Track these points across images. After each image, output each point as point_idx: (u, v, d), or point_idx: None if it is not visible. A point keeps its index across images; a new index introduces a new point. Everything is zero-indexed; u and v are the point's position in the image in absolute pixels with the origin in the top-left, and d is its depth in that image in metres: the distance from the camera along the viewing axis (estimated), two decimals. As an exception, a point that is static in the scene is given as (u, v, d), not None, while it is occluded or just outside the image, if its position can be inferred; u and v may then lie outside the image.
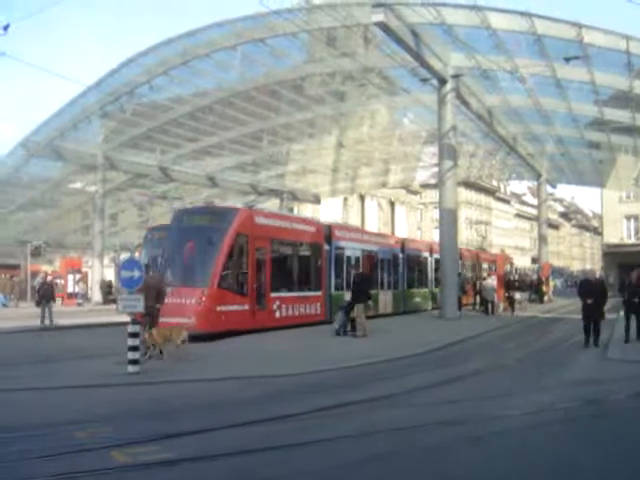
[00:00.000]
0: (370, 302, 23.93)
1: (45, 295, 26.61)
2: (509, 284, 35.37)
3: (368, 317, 23.46)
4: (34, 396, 11.85)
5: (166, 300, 18.63)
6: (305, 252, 27.38)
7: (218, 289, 21.70)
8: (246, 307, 22.79)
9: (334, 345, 19.96)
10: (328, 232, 28.81)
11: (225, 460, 7.71)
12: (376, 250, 33.09)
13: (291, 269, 26.43)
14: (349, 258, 29.92)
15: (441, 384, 13.05)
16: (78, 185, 48.85)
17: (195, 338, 19.69)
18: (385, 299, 33.26)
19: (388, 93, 38.18)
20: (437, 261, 35.43)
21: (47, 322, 26.06)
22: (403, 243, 37.31)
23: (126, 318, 14.61)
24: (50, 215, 57.92)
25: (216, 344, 20.14)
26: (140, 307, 13.97)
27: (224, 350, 18.95)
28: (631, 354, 17.22)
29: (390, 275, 34.43)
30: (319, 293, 27.50)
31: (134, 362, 13.66)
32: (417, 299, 37.40)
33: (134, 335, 13.78)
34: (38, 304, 27.00)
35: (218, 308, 21.57)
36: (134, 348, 13.72)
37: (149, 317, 16.40)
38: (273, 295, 24.29)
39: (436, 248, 35.33)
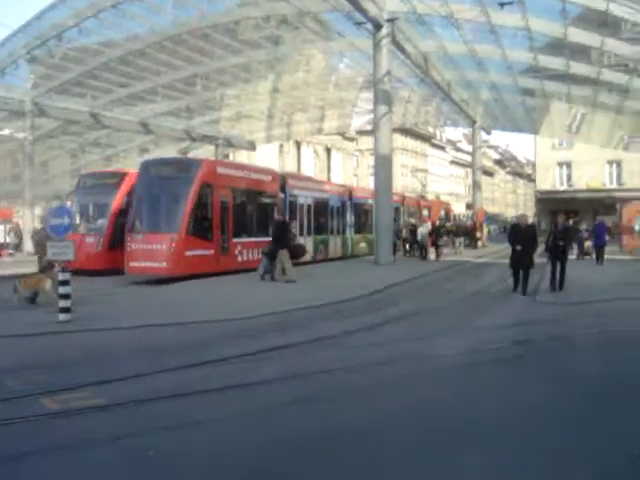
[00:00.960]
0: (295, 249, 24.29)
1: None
2: (435, 231, 35.52)
3: (318, 261, 25.74)
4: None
5: (136, 246, 22.00)
6: (263, 200, 28.52)
7: (186, 235, 23.08)
8: (211, 252, 24.23)
9: (268, 291, 19.97)
10: (283, 181, 30.36)
11: (156, 404, 7.74)
12: (326, 197, 35.12)
13: (251, 216, 27.51)
14: (302, 205, 31.88)
15: (372, 327, 13.20)
16: (6, 132, 47.48)
17: (160, 281, 21.72)
18: (335, 244, 35.61)
19: (323, 38, 37.79)
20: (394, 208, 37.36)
21: None
22: (351, 191, 39.00)
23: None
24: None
25: (160, 289, 20.56)
26: (71, 255, 13.72)
27: (165, 296, 19.05)
28: (559, 297, 17.69)
29: (339, 221, 36.45)
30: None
31: (65, 310, 13.48)
32: (363, 244, 38.74)
33: (65, 283, 13.57)
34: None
35: (186, 253, 23.02)
36: (65, 296, 13.52)
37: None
38: (235, 240, 25.68)
39: None
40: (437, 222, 39.87)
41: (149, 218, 24.25)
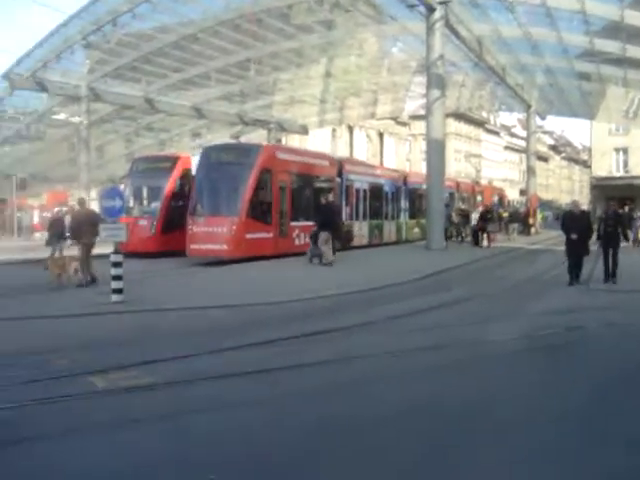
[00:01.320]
0: (339, 232, 24.22)
1: (56, 233, 24.05)
2: (483, 216, 35.03)
3: (373, 245, 27.01)
4: (18, 325, 11.91)
5: (197, 229, 23.11)
6: (320, 184, 28.78)
7: (247, 218, 23.67)
8: (270, 235, 24.88)
9: (318, 274, 20.01)
10: (340, 166, 30.71)
11: (204, 384, 7.82)
12: (382, 183, 35.27)
13: (308, 200, 27.68)
14: (358, 190, 32.18)
15: (422, 312, 13.12)
16: (62, 116, 48.14)
17: (218, 263, 22.29)
18: (389, 229, 35.90)
19: (376, 21, 37.48)
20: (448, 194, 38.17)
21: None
22: (405, 176, 39.06)
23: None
24: (35, 148, 57.33)
25: (216, 271, 21.00)
26: (123, 237, 13.91)
27: (219, 278, 19.40)
28: (612, 284, 17.39)
29: (393, 206, 36.62)
30: None
31: (118, 291, 13.67)
32: (417, 230, 38.55)
33: (117, 264, 13.76)
34: (48, 243, 24.35)
35: (247, 236, 23.63)
36: (117, 277, 13.71)
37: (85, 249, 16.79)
38: (293, 224, 26.23)
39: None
40: (485, 208, 39.28)
41: (210, 202, 24.85)
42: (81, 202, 19.29)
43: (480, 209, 36.92)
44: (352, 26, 38.73)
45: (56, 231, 24.32)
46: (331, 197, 24.46)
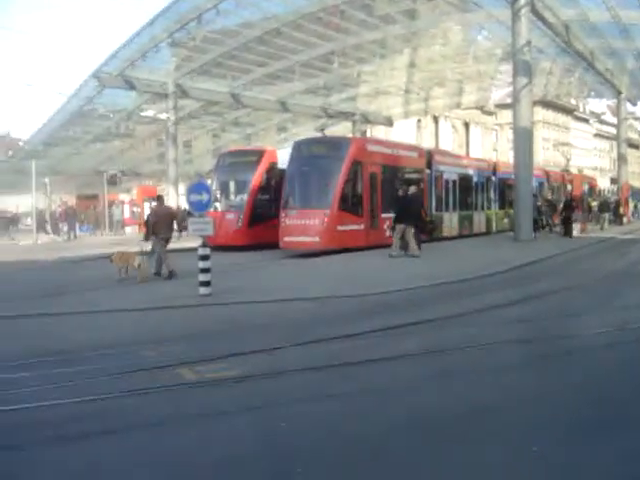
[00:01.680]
0: (421, 224, 23.63)
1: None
2: (566, 206, 33.72)
3: (463, 236, 27.75)
4: (107, 317, 12.19)
5: (290, 222, 23.68)
6: (409, 176, 28.66)
7: (338, 210, 23.97)
8: (361, 227, 25.02)
9: (404, 266, 19.87)
10: (429, 157, 30.65)
11: (290, 377, 7.82)
12: (471, 173, 35.02)
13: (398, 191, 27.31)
14: (447, 181, 32.09)
15: (511, 304, 12.81)
16: (150, 113, 49.10)
17: (310, 255, 22.67)
18: (479, 220, 35.61)
19: (460, 9, 37.02)
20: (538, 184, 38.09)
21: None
22: (495, 166, 38.57)
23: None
24: (125, 144, 58.64)
25: (304, 263, 21.28)
26: (210, 230, 14.09)
27: (308, 270, 19.67)
28: None
29: (483, 197, 36.32)
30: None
31: (205, 284, 13.83)
32: (507, 220, 37.94)
33: (205, 257, 13.92)
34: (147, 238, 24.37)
35: (338, 228, 23.94)
36: (205, 270, 13.87)
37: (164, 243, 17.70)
38: (384, 216, 25.83)
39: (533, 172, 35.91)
40: (568, 197, 38.31)
41: (302, 195, 25.17)
42: (159, 198, 20.03)
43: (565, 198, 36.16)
44: (436, 15, 38.31)
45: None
46: (413, 189, 24.13)
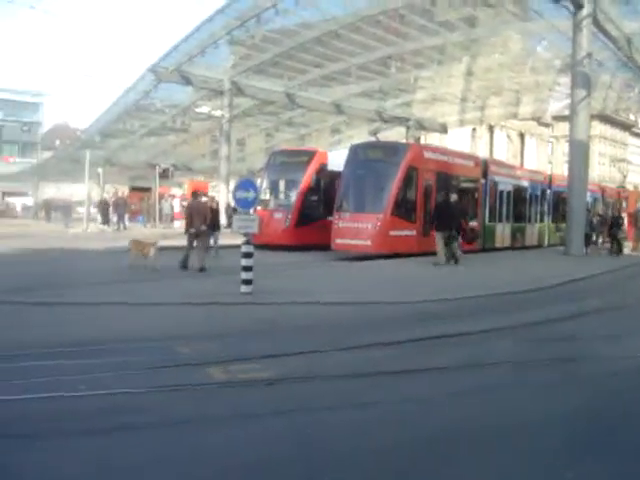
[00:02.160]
0: (456, 233, 22.80)
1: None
2: (612, 223, 32.41)
3: (515, 248, 27.86)
4: (147, 310, 12.19)
5: (343, 224, 23.95)
6: (464, 184, 28.87)
7: (392, 216, 24.02)
8: (414, 233, 24.98)
9: (449, 275, 19.65)
10: (484, 166, 30.46)
11: (323, 382, 7.61)
12: (526, 185, 34.56)
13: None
14: (502, 192, 31.68)
15: (558, 320, 12.46)
16: (204, 110, 49.44)
17: (358, 258, 22.74)
18: (531, 232, 35.19)
19: (521, 18, 36.56)
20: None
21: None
22: (550, 179, 38.08)
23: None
24: (179, 139, 59.14)
25: (353, 266, 21.28)
26: (255, 228, 14.02)
27: (355, 274, 19.56)
28: None
29: (536, 209, 35.80)
30: (475, 223, 29.02)
31: (247, 282, 13.75)
32: (561, 233, 36.95)
33: (248, 255, 13.85)
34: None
35: (391, 233, 23.94)
36: (248, 268, 13.79)
37: (197, 236, 18.68)
38: None
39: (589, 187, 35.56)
40: (614, 213, 37.44)
41: (357, 198, 25.25)
42: (195, 194, 21.15)
43: (623, 215, 35.40)
44: (496, 23, 37.88)
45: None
46: (454, 196, 23.91)
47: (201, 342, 9.45)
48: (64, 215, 46.99)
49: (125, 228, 40.57)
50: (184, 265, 18.41)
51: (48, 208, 57.00)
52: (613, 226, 31.91)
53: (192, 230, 18.62)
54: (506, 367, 8.67)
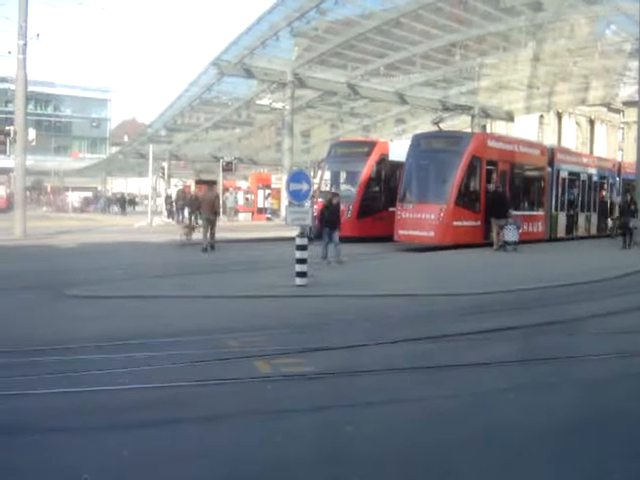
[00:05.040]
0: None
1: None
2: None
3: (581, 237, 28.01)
4: (201, 303, 12.24)
5: (406, 215, 23.91)
6: (530, 173, 28.75)
7: (455, 206, 23.85)
8: (478, 223, 24.69)
9: (507, 264, 19.37)
10: (551, 155, 29.80)
11: (369, 377, 7.48)
12: (593, 173, 33.63)
13: (518, 189, 27.51)
14: (569, 180, 31.00)
15: (608, 314, 11.87)
16: (265, 102, 49.48)
17: (421, 249, 22.71)
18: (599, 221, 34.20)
19: (587, 2, 35.66)
20: None
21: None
22: (620, 166, 37.29)
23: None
24: (243, 132, 59.44)
25: (413, 258, 21.22)
26: (309, 220, 13.93)
27: (410, 265, 19.37)
28: None
29: (605, 197, 34.71)
30: (542, 213, 28.91)
31: (302, 275, 13.67)
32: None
33: (302, 248, 13.76)
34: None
35: (454, 223, 23.83)
36: (302, 261, 13.71)
37: (208, 223, 22.40)
38: None
39: None
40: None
41: (419, 189, 25.09)
42: (209, 185, 26.69)
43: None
44: (561, 7, 37.03)
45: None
46: (493, 186, 24.68)
47: (252, 335, 9.35)
48: (122, 209, 47.79)
49: (181, 222, 40.70)
50: (204, 248, 21.98)
51: (110, 202, 58.15)
52: (626, 213, 27.51)
53: (205, 216, 22.79)
54: (555, 363, 8.31)
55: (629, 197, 28.49)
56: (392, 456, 5.28)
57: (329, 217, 18.98)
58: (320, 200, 26.04)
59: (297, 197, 14.09)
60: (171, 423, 5.93)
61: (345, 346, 8.68)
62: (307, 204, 14.58)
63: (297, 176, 14.42)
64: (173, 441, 5.53)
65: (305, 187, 13.98)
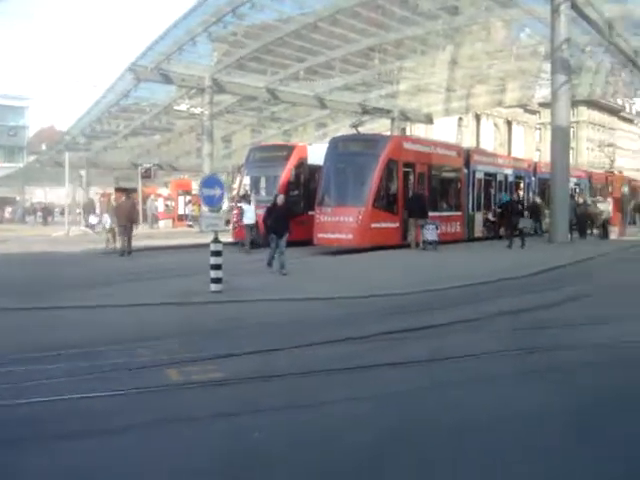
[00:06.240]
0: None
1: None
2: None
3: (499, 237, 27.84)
4: (116, 312, 12.00)
5: (325, 219, 23.98)
6: (447, 175, 29.29)
7: (373, 208, 23.91)
8: (396, 224, 24.85)
9: (427, 263, 19.50)
10: (467, 156, 30.34)
11: (280, 381, 7.41)
12: (509, 173, 34.23)
13: (435, 191, 27.79)
14: (485, 181, 31.59)
15: (522, 311, 12.09)
16: (183, 107, 49.02)
17: (339, 252, 22.63)
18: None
19: (501, 5, 36.24)
20: (575, 184, 38.18)
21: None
22: (535, 166, 37.86)
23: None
24: (163, 138, 58.81)
25: (329, 261, 21.11)
26: (222, 225, 13.76)
27: (330, 268, 19.41)
28: None
29: (523, 197, 35.24)
30: (459, 213, 29.23)
31: (217, 281, 13.51)
32: (547, 220, 36.73)
33: (217, 254, 13.60)
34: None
35: (372, 225, 23.80)
36: (217, 267, 13.56)
37: (124, 230, 23.46)
38: None
39: (573, 172, 35.62)
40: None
41: (337, 192, 25.09)
42: (127, 194, 27.68)
43: (609, 200, 35.17)
44: (477, 11, 37.62)
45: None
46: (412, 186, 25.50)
47: (165, 343, 9.22)
48: (43, 219, 46.68)
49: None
50: (121, 254, 23.06)
51: (28, 212, 56.80)
52: (513, 214, 27.59)
53: (121, 223, 23.52)
54: (462, 362, 8.36)
55: (516, 196, 29.76)
56: (298, 461, 5.24)
57: (274, 222, 17.58)
58: (239, 205, 25.94)
59: (211, 202, 13.92)
60: (77, 436, 5.78)
61: (258, 351, 8.58)
62: (223, 209, 14.42)
63: (210, 181, 14.23)
64: (75, 454, 5.37)
65: (218, 192, 13.83)
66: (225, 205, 22.56)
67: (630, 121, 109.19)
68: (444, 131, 61.75)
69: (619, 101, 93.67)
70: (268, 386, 7.27)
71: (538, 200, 32.86)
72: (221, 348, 8.72)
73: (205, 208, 14.46)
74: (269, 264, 17.86)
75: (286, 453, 5.41)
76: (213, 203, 13.88)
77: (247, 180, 28.32)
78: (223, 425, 6.12)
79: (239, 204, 25.87)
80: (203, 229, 14.24)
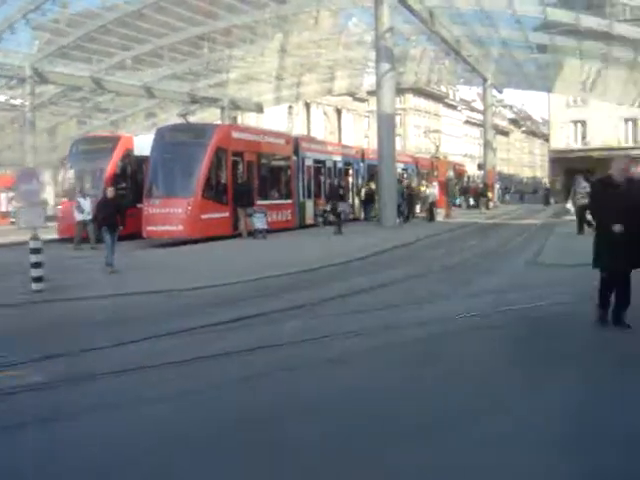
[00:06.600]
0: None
1: None
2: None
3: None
4: None
5: (154, 211, 23.47)
6: (276, 163, 29.39)
7: (202, 199, 23.83)
8: (227, 215, 24.89)
9: (260, 252, 19.57)
10: (296, 144, 30.77)
11: (102, 381, 7.15)
12: (339, 160, 34.97)
13: (264, 179, 28.01)
14: (314, 168, 32.20)
15: (358, 293, 12.45)
16: (2, 99, 46.74)
17: (172, 244, 22.44)
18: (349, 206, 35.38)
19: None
20: (403, 170, 39.65)
21: None
22: (363, 153, 38.81)
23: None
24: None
25: (159, 253, 20.85)
26: (41, 221, 13.15)
27: (163, 261, 18.93)
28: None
29: (352, 183, 36.57)
30: (290, 201, 29.56)
31: (38, 279, 12.91)
32: (377, 206, 37.56)
33: (37, 251, 12.99)
34: None
35: (202, 216, 23.68)
36: (37, 265, 12.95)
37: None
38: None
39: (400, 158, 37.31)
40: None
41: (165, 183, 24.82)
42: None
43: (435, 184, 36.51)
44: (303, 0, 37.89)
45: None
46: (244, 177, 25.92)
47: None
48: None
49: None
50: None
51: None
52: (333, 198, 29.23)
53: None
54: (295, 347, 8.46)
55: (336, 182, 30.73)
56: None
57: (105, 216, 16.59)
58: (64, 200, 25.04)
59: (29, 197, 13.28)
60: None
61: (80, 351, 8.24)
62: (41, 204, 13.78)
63: (25, 175, 13.58)
64: None
65: (35, 186, 13.19)
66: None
67: (454, 107, 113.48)
68: (275, 120, 61.89)
69: (443, 88, 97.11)
70: (87, 387, 7.01)
71: (373, 186, 33.53)
72: (39, 350, 8.25)
73: (21, 204, 13.77)
74: (109, 262, 16.42)
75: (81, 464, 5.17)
76: (31, 198, 13.24)
77: (71, 174, 27.31)
78: (36, 431, 5.76)
79: (78, 199, 24.71)
80: (21, 226, 13.55)
